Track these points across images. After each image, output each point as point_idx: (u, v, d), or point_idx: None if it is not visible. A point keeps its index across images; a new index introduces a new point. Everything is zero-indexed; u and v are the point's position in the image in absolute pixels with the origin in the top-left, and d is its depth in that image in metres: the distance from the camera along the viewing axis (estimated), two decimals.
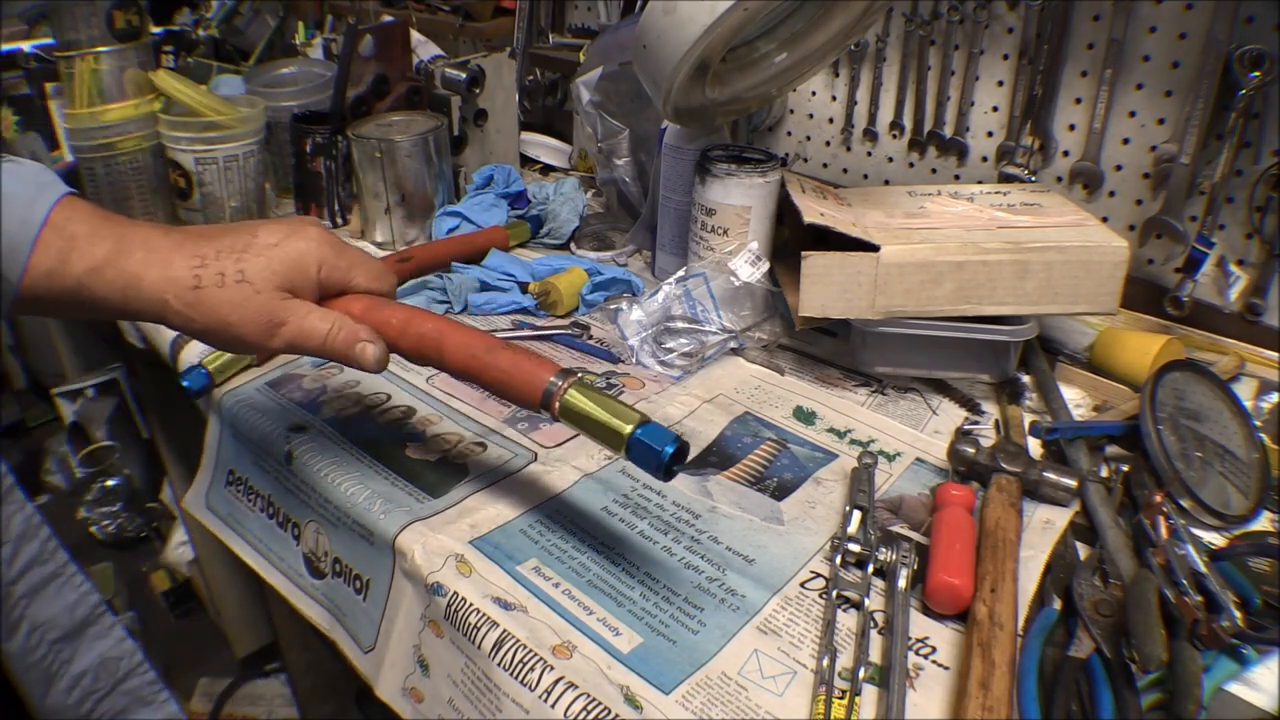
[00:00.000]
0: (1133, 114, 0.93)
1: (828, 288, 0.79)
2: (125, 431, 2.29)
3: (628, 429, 0.55)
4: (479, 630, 0.59)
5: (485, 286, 0.99)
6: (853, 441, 0.79)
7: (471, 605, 0.60)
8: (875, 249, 0.78)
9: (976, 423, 0.81)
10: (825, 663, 0.55)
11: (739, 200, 0.91)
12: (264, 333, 0.58)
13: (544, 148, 1.42)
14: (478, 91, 1.20)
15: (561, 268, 1.01)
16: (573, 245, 1.13)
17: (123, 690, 0.58)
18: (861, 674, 0.55)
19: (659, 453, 0.54)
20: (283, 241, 0.59)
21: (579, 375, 0.59)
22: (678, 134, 0.98)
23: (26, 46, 1.59)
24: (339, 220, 1.18)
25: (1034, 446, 0.77)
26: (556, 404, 0.58)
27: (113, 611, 0.57)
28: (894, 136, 1.13)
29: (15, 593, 0.53)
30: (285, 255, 0.58)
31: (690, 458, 0.74)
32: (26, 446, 2.53)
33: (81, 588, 0.56)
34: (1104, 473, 0.73)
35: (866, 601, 0.60)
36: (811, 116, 1.21)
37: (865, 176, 1.18)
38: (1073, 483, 0.69)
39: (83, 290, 0.55)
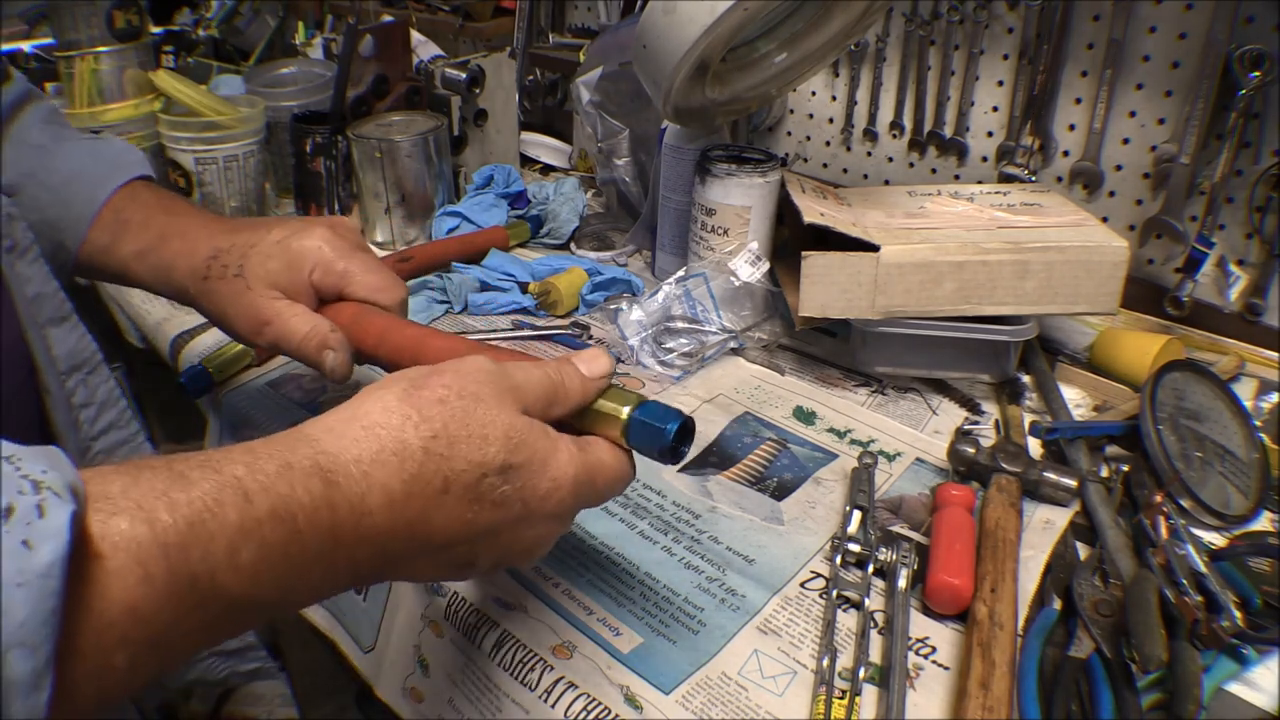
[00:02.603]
0: (1133, 114, 0.93)
1: (828, 288, 0.79)
2: None
3: (625, 411, 0.48)
4: (479, 630, 0.59)
5: (485, 286, 0.99)
6: (853, 441, 0.78)
7: (471, 605, 0.60)
8: (875, 249, 0.78)
9: (976, 423, 0.81)
10: (825, 663, 0.55)
11: (739, 200, 0.91)
12: (252, 329, 0.60)
13: (544, 148, 1.42)
14: (478, 91, 1.20)
15: (561, 268, 1.01)
16: (573, 245, 1.13)
17: None
18: (861, 674, 0.55)
19: (662, 432, 0.47)
20: (285, 239, 0.60)
21: None
22: (678, 134, 0.98)
23: (26, 46, 1.58)
24: None
25: (1034, 446, 0.77)
26: None
27: None
28: (894, 136, 1.13)
29: (94, 448, 0.58)
30: (284, 254, 0.59)
31: (690, 458, 0.74)
32: None
33: (150, 455, 0.60)
34: (1104, 473, 0.73)
35: (866, 601, 0.60)
36: (811, 116, 1.21)
37: (865, 176, 1.18)
38: (1073, 483, 0.69)
39: (129, 271, 0.62)
